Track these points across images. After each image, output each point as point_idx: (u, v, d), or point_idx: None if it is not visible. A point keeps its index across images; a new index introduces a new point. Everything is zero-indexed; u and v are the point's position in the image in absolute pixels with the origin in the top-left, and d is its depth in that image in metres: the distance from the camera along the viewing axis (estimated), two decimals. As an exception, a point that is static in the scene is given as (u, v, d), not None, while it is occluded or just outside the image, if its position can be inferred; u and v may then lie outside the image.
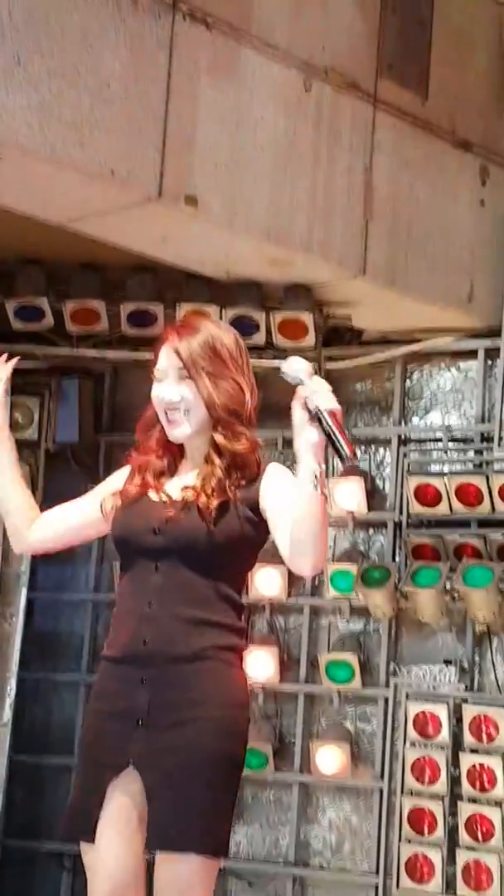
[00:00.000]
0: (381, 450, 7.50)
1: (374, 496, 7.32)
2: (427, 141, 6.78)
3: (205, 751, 3.15)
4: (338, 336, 7.54)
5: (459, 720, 6.66)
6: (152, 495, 3.23)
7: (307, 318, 6.93)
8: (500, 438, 6.78)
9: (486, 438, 7.09)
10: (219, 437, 3.22)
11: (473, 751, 6.59)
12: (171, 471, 3.29)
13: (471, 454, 7.22)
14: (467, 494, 6.78)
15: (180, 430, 3.26)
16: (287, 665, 7.44)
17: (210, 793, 3.12)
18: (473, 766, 6.51)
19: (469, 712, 6.63)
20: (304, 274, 6.69)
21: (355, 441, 7.50)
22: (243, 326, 6.99)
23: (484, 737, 6.51)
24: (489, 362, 7.17)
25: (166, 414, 3.28)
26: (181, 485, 3.25)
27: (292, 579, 7.43)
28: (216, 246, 6.38)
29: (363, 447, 7.54)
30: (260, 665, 7.30)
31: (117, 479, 3.41)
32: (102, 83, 5.39)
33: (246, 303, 6.97)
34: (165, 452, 3.31)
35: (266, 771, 7.26)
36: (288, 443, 7.66)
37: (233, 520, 3.19)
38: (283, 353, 7.26)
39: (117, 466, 8.01)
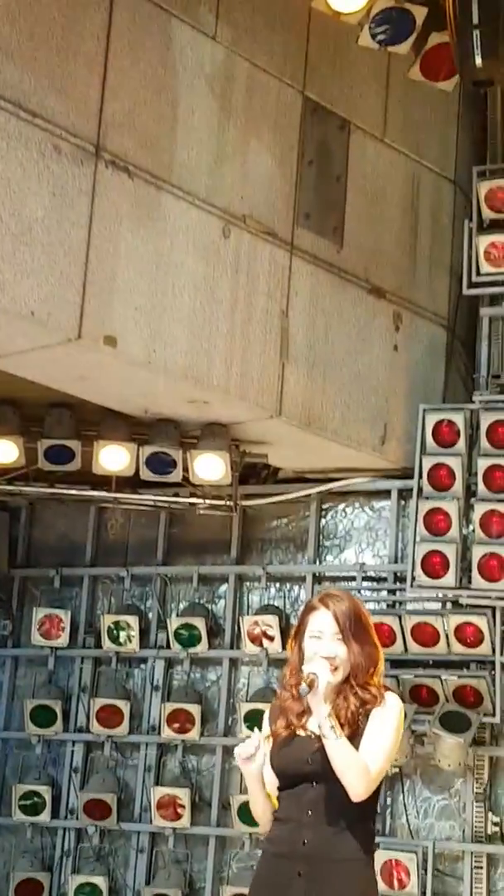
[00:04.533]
0: (296, 587, 7.54)
1: (287, 633, 7.31)
2: (342, 287, 6.98)
3: None
4: (254, 473, 7.63)
5: (371, 865, 6.58)
6: (300, 733, 3.98)
7: (223, 456, 7.01)
8: (413, 579, 6.85)
9: (398, 578, 7.16)
10: (357, 688, 3.96)
11: (385, 897, 6.52)
12: (309, 710, 3.96)
13: (384, 594, 7.28)
14: (380, 634, 6.71)
15: (332, 679, 3.92)
16: (198, 807, 7.34)
17: None
18: (385, 912, 6.45)
19: (380, 857, 6.55)
20: (221, 413, 6.79)
21: (271, 578, 7.56)
22: (160, 464, 7.06)
23: (395, 883, 6.44)
24: (402, 503, 7.29)
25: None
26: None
27: (205, 718, 7.38)
28: (135, 385, 6.46)
29: (278, 584, 7.59)
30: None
31: (266, 725, 4.09)
32: (25, 227, 5.49)
33: (163, 440, 7.05)
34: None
35: (176, 917, 7.12)
36: (202, 578, 7.70)
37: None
38: (199, 490, 7.34)
39: (32, 601, 8.02)
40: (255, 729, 4.03)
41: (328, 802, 3.86)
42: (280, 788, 3.98)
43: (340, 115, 7.04)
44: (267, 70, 6.63)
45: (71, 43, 5.74)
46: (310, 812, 3.87)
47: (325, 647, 3.95)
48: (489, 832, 6.72)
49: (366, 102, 7.19)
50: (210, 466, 7.04)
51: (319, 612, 4.01)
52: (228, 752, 7.28)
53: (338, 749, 3.81)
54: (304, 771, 3.90)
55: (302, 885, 3.81)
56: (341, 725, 3.86)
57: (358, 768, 3.82)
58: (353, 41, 6.30)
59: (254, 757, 3.94)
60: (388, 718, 3.92)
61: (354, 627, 3.98)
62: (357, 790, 3.82)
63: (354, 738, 3.87)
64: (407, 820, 6.85)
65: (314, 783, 3.88)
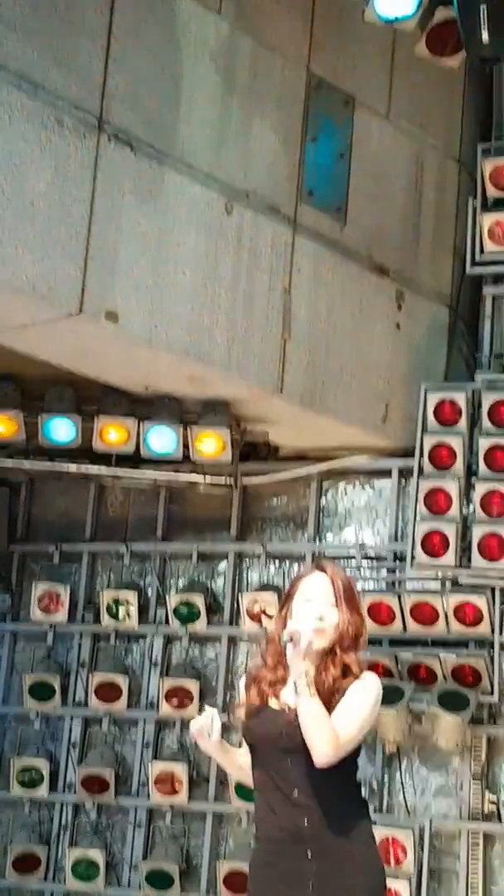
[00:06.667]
0: (296, 565, 7.54)
1: (287, 612, 7.33)
2: (345, 265, 6.95)
3: None
4: (255, 451, 7.62)
5: (368, 842, 6.59)
6: (273, 703, 3.91)
7: (224, 433, 7.00)
8: (412, 558, 6.85)
9: (398, 557, 7.16)
10: (339, 655, 3.91)
11: (382, 874, 6.52)
12: (283, 680, 3.93)
13: (383, 573, 7.28)
14: (379, 613, 6.82)
15: (320, 643, 3.88)
16: (196, 783, 7.36)
17: None
18: (382, 889, 6.45)
19: (378, 834, 6.54)
20: (222, 391, 6.78)
21: (271, 556, 7.55)
22: (161, 440, 7.05)
23: (392, 860, 6.46)
24: (402, 482, 7.28)
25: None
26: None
27: (204, 694, 7.39)
28: (135, 361, 6.45)
29: (277, 562, 7.59)
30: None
31: (242, 692, 4.05)
32: (27, 202, 5.47)
33: (164, 417, 7.03)
34: (278, 665, 3.95)
35: (171, 893, 7.13)
36: (202, 556, 7.70)
37: None
38: (199, 467, 7.33)
39: (31, 577, 8.03)
40: (206, 706, 3.99)
41: (312, 777, 3.80)
42: (254, 762, 3.92)
43: (345, 92, 7.00)
44: (271, 46, 6.59)
45: (74, 15, 5.70)
46: (296, 791, 3.81)
47: (316, 609, 3.92)
48: (486, 811, 6.74)
49: (370, 79, 7.15)
50: (210, 444, 7.03)
51: (315, 575, 4.00)
52: (226, 728, 7.27)
53: (309, 707, 3.75)
54: (278, 746, 3.84)
55: (313, 867, 3.78)
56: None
57: (327, 730, 3.76)
58: (359, 17, 6.25)
59: (209, 732, 3.89)
60: (366, 691, 3.88)
61: (347, 595, 3.97)
62: (324, 751, 3.74)
63: (328, 710, 3.82)
64: (404, 798, 6.86)
65: (290, 759, 3.82)
